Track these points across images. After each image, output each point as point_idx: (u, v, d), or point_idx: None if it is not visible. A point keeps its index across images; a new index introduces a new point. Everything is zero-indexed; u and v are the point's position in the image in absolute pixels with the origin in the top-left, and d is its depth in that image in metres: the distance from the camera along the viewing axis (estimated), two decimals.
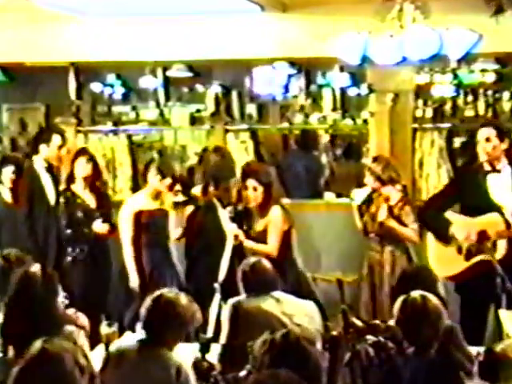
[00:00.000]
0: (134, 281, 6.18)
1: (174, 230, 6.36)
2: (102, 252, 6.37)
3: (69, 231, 6.18)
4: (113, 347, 3.90)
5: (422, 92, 7.90)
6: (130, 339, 3.96)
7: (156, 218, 6.28)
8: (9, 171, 6.26)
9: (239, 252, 5.91)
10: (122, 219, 6.24)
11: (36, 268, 3.54)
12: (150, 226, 6.23)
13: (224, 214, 6.17)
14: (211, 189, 6.33)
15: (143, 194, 6.37)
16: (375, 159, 6.53)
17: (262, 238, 5.97)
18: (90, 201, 6.35)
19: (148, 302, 3.77)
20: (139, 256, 6.20)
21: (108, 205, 6.49)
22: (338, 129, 8.85)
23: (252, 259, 4.95)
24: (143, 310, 3.76)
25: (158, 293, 3.80)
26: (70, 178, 6.35)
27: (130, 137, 8.84)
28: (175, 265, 6.33)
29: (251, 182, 6.02)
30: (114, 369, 3.74)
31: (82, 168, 6.30)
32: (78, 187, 6.33)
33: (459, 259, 5.45)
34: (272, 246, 5.92)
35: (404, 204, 6.25)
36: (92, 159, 6.39)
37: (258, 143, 8.83)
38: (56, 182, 6.40)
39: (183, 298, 3.79)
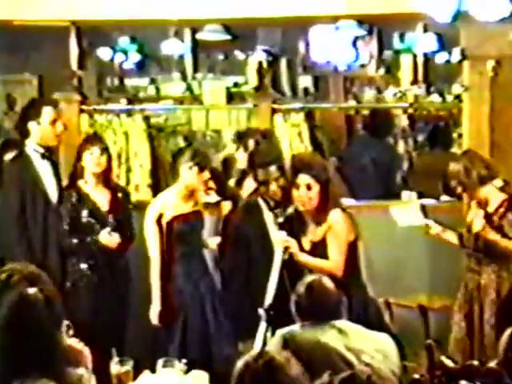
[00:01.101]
0: (155, 309, 6.24)
1: (211, 238, 6.43)
2: (117, 267, 6.39)
3: (73, 240, 6.23)
4: None
5: None
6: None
7: (190, 224, 6.33)
8: None
9: (291, 268, 5.92)
10: (149, 227, 6.29)
11: (33, 290, 3.54)
12: (183, 234, 6.29)
13: (271, 218, 6.20)
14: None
15: (173, 193, 6.39)
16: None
17: (319, 251, 5.97)
18: (102, 202, 6.39)
19: (251, 355, 3.74)
20: (167, 274, 6.26)
21: (125, 208, 6.53)
22: (420, 108, 8.84)
23: (309, 277, 4.94)
24: (240, 364, 3.76)
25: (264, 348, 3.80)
26: (76, 172, 6.40)
27: (148, 118, 8.90)
28: (214, 281, 6.41)
29: (304, 179, 5.98)
30: None
31: (94, 161, 6.32)
32: (87, 184, 6.37)
33: None
34: (335, 261, 5.89)
35: (508, 209, 6.20)
36: (106, 149, 6.45)
37: (314, 127, 8.84)
38: (57, 172, 6.46)
39: (294, 366, 3.77)
